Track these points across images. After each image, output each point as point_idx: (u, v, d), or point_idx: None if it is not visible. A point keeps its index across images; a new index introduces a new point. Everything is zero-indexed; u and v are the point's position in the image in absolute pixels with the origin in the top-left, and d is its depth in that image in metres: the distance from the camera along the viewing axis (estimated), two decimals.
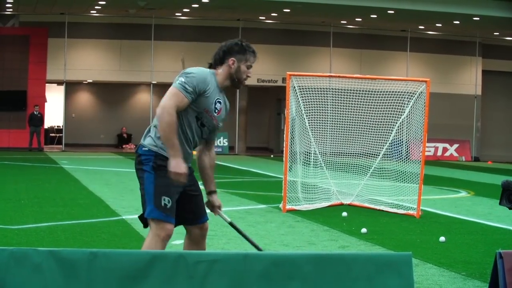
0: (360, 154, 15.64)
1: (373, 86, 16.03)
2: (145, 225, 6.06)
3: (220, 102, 6.09)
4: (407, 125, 15.01)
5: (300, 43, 39.46)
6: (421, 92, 14.36)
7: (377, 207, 14.40)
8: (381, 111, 15.26)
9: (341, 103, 15.39)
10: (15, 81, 35.12)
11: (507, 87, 43.92)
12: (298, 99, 14.62)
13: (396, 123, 14.98)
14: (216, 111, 6.07)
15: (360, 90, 15.50)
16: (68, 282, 4.85)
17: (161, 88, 40.00)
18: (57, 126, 41.06)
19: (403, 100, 14.88)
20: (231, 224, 6.33)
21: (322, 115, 15.30)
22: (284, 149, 14.31)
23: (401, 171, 14.78)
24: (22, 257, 4.85)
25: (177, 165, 5.80)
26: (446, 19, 35.67)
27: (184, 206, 6.08)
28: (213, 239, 10.23)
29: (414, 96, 14.60)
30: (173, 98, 5.83)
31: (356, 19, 37.60)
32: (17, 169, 22.74)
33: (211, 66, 6.15)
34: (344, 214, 12.16)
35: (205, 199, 6.29)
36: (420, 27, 39.06)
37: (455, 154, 38.89)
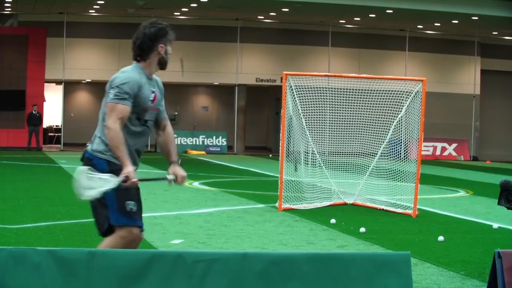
0: (358, 153, 15.65)
1: (371, 85, 16.04)
2: (104, 233, 5.91)
3: (153, 91, 6.07)
4: (404, 124, 15.03)
5: (299, 42, 39.45)
6: (418, 92, 14.40)
7: (378, 206, 14.40)
8: (378, 110, 15.27)
9: (338, 102, 15.39)
10: (13, 80, 35.10)
11: (506, 86, 43.93)
12: (295, 98, 14.62)
13: (393, 122, 15.00)
14: (151, 101, 6.04)
15: (357, 90, 15.51)
16: (67, 281, 4.86)
17: None
18: (56, 126, 41.06)
19: (401, 100, 14.90)
20: (145, 179, 6.16)
21: (320, 114, 15.30)
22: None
23: (399, 171, 14.79)
24: (21, 256, 4.85)
25: (132, 173, 5.74)
26: (445, 19, 35.67)
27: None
28: (211, 239, 10.23)
29: (410, 96, 14.62)
30: (113, 114, 5.80)
31: (355, 19, 37.61)
32: (16, 169, 22.73)
33: (139, 60, 6.04)
34: (333, 221, 12.06)
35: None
36: (419, 26, 39.06)
37: (454, 154, 38.90)
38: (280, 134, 14.21)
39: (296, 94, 14.66)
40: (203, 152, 36.50)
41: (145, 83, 5.98)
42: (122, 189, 5.71)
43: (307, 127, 15.04)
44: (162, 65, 6.12)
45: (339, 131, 15.56)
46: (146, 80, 6.01)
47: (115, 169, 5.79)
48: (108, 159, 5.89)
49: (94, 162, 5.90)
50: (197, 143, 37.51)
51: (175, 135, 39.21)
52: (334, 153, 15.79)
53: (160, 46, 6.03)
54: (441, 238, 10.68)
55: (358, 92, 15.42)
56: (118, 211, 5.79)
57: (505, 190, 7.92)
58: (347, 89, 15.45)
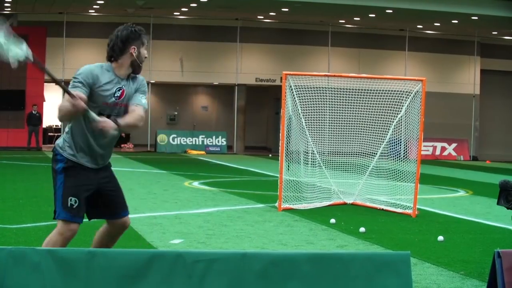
0: (358, 153, 15.64)
1: (370, 85, 16.04)
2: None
3: (120, 88, 6.16)
4: (404, 124, 15.03)
5: (299, 42, 39.46)
6: (418, 91, 14.40)
7: (377, 206, 14.40)
8: (378, 110, 15.26)
9: (338, 102, 15.39)
10: (13, 80, 35.07)
11: (506, 86, 43.94)
12: (294, 98, 14.62)
13: (393, 122, 15.00)
14: (117, 97, 6.15)
15: (357, 89, 15.50)
16: (67, 281, 4.86)
17: (160, 88, 40.03)
18: (56, 126, 41.05)
19: (400, 99, 14.90)
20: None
21: (320, 114, 15.29)
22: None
23: (399, 170, 14.79)
24: (21, 256, 4.85)
25: (70, 100, 5.99)
26: (445, 18, 35.68)
27: (99, 202, 6.27)
28: (211, 239, 10.23)
29: (410, 95, 14.63)
30: (65, 99, 6.04)
31: (355, 18, 37.61)
32: (16, 169, 22.73)
33: (111, 59, 6.20)
34: (332, 221, 12.07)
35: None
36: (419, 26, 39.07)
37: (454, 154, 38.90)
38: (280, 134, 14.21)
39: (296, 94, 14.65)
40: (202, 152, 36.49)
41: (108, 78, 6.12)
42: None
43: (306, 127, 15.04)
44: (135, 67, 6.22)
45: (338, 131, 15.55)
46: (114, 77, 6.13)
47: (70, 166, 6.09)
48: (67, 157, 6.14)
49: (57, 157, 6.18)
50: (197, 143, 37.50)
51: (175, 135, 38.93)
52: (333, 153, 15.79)
53: (131, 48, 6.14)
54: (440, 238, 10.68)
55: (358, 92, 15.41)
56: (61, 205, 6.07)
57: (504, 190, 7.92)
58: (347, 89, 15.45)
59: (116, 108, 6.16)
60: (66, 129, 6.28)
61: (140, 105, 6.18)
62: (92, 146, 6.15)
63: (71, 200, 6.04)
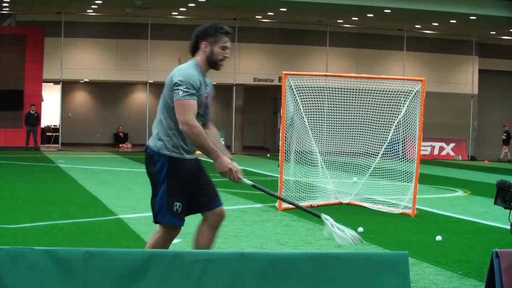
0: (358, 153, 15.65)
1: (370, 85, 16.04)
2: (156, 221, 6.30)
3: (206, 88, 6.21)
4: (403, 124, 15.02)
5: (297, 42, 39.47)
6: (417, 91, 14.40)
7: (374, 206, 14.41)
8: (378, 110, 15.27)
9: (338, 102, 15.39)
10: (11, 80, 35.08)
11: (504, 86, 43.97)
12: (295, 98, 14.62)
13: (394, 122, 14.99)
14: (205, 97, 6.19)
15: (356, 89, 15.50)
16: (65, 281, 4.85)
17: (158, 88, 39.96)
18: (54, 125, 41.04)
19: (400, 99, 14.90)
20: (254, 186, 6.33)
21: (319, 114, 15.29)
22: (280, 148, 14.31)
23: (398, 170, 14.79)
24: (19, 256, 4.85)
25: (221, 165, 6.00)
26: (443, 18, 35.69)
27: (194, 195, 6.23)
28: None
29: (410, 95, 14.63)
30: (187, 110, 5.94)
31: (353, 18, 37.62)
32: (14, 169, 22.72)
33: (192, 54, 6.27)
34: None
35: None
36: (417, 26, 39.08)
37: (452, 153, 38.91)
38: (280, 134, 14.20)
39: (297, 94, 14.65)
40: (200, 152, 36.46)
41: (200, 78, 6.14)
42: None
43: (309, 127, 15.04)
44: (210, 64, 6.20)
45: (337, 131, 15.55)
46: (201, 76, 6.16)
47: (176, 166, 6.03)
48: (170, 155, 6.09)
49: (155, 158, 6.10)
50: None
51: None
52: (333, 153, 15.79)
53: (203, 43, 6.17)
54: (439, 237, 10.68)
55: (357, 92, 15.41)
56: (166, 210, 6.09)
57: (501, 190, 7.91)
58: (346, 89, 15.45)
59: (207, 110, 6.28)
60: (157, 130, 6.17)
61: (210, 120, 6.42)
62: (185, 139, 6.14)
63: (176, 205, 6.08)
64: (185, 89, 5.95)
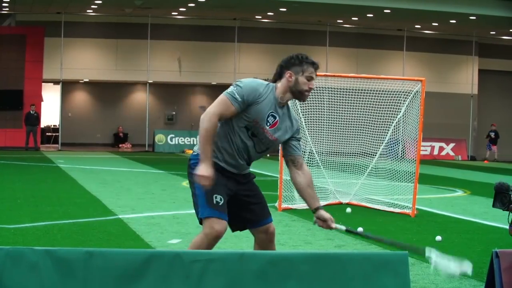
0: (357, 153, 15.64)
1: (369, 85, 16.04)
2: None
3: (274, 116, 5.97)
4: (403, 124, 15.03)
5: (297, 42, 39.45)
6: (417, 91, 14.40)
7: (375, 206, 14.40)
8: (377, 110, 15.27)
9: (337, 102, 15.39)
10: (11, 80, 35.09)
11: (504, 86, 43.97)
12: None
13: (393, 122, 14.99)
14: (269, 124, 5.97)
15: (356, 89, 15.51)
16: (65, 281, 4.85)
17: (157, 87, 40.00)
18: (54, 126, 41.06)
19: (399, 99, 14.90)
20: (348, 230, 6.23)
21: (318, 114, 15.29)
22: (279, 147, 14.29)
23: (397, 170, 14.79)
24: (19, 256, 4.85)
25: (202, 169, 5.77)
26: (443, 18, 35.70)
27: (240, 212, 6.15)
28: None
29: (410, 95, 14.63)
30: (219, 106, 5.80)
31: (353, 18, 37.63)
32: (14, 169, 22.71)
33: (275, 80, 6.07)
34: (348, 210, 12.01)
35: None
36: (417, 26, 39.09)
37: (452, 153, 38.91)
38: None
39: None
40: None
41: (270, 100, 5.94)
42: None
43: (306, 127, 15.04)
44: (294, 94, 6.04)
45: (337, 131, 15.55)
46: (273, 99, 5.97)
47: (215, 168, 5.86)
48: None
49: (192, 161, 6.07)
50: (195, 143, 37.44)
51: (173, 135, 38.92)
52: (332, 153, 15.79)
53: (288, 73, 5.99)
54: (438, 238, 10.67)
55: (357, 92, 15.42)
56: (205, 203, 5.91)
57: (499, 193, 7.91)
58: (345, 89, 15.45)
59: (264, 134, 6.00)
60: (221, 146, 6.07)
61: (303, 158, 6.26)
62: (234, 154, 6.02)
63: (216, 197, 5.87)
64: (234, 91, 5.81)
